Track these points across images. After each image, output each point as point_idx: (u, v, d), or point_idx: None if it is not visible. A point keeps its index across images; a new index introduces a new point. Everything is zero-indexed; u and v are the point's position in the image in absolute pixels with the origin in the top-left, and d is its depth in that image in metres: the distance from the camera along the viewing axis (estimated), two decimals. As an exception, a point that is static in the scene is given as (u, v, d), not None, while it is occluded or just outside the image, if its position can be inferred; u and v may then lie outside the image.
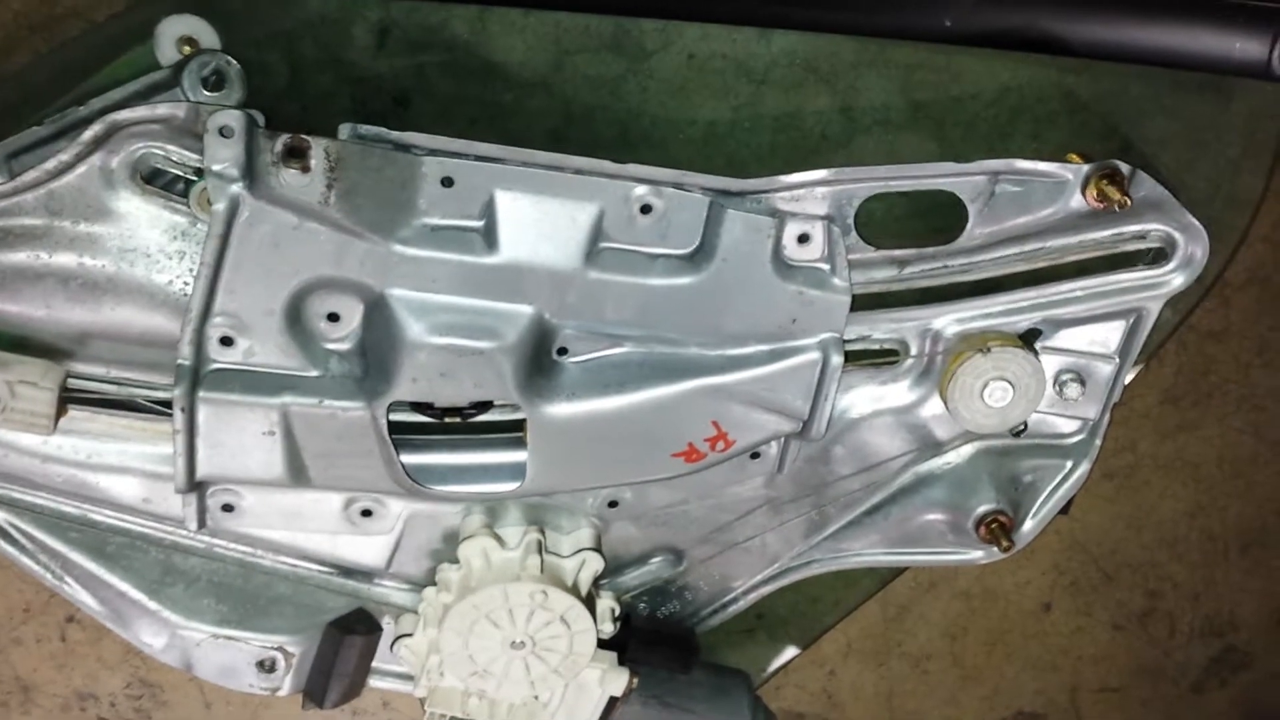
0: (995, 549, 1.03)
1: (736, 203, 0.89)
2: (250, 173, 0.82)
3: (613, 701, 1.06)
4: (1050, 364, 0.98)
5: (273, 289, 0.87)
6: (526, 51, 0.91)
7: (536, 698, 1.05)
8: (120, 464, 0.96)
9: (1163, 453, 1.36)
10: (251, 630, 1.01)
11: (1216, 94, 0.95)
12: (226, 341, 0.88)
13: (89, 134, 0.83)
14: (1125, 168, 0.86)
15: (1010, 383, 0.95)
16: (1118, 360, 0.98)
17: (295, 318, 0.89)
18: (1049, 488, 1.05)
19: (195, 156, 0.83)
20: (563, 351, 0.93)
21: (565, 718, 1.06)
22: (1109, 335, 0.97)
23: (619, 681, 1.04)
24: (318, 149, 0.80)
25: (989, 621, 1.46)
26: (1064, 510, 1.06)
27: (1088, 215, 0.90)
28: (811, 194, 0.89)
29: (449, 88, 0.90)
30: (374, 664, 1.10)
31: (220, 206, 0.83)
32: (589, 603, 1.00)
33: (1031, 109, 0.95)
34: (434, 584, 1.02)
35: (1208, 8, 0.89)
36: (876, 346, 0.98)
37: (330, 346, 0.91)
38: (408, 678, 1.08)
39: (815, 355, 0.92)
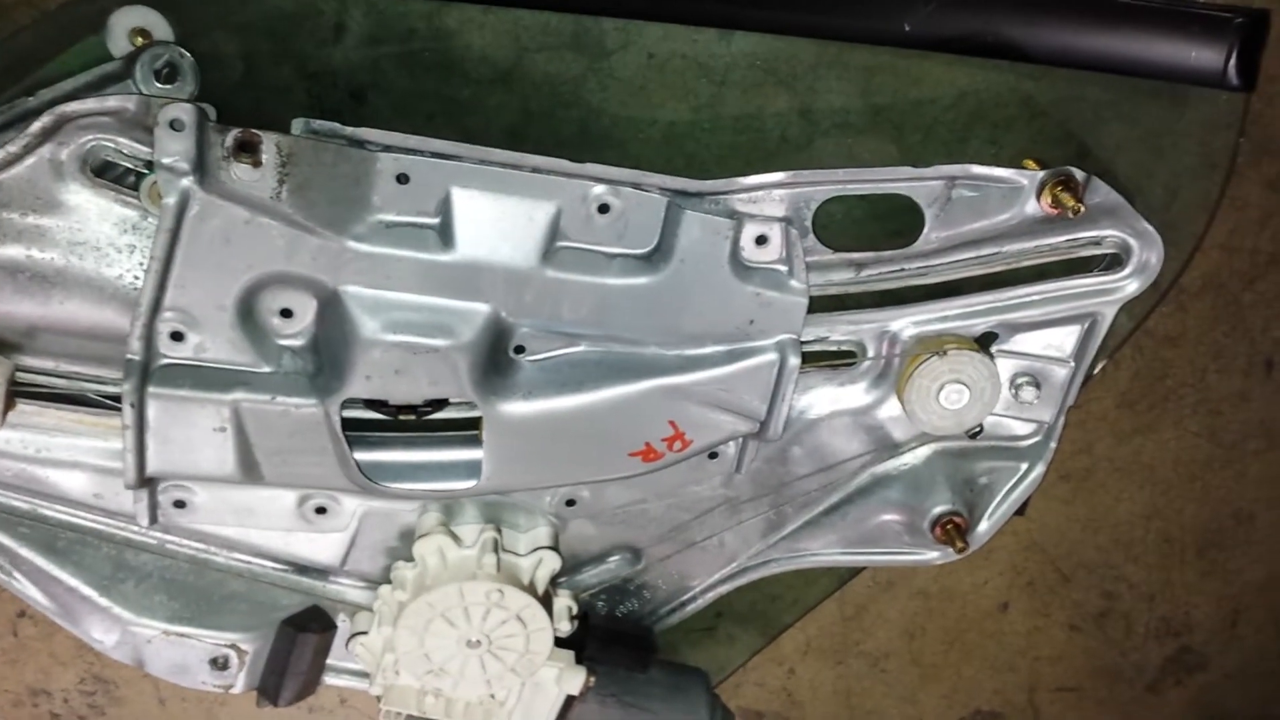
0: (950, 550, 1.04)
1: (695, 203, 0.89)
2: (201, 167, 0.81)
3: (570, 700, 1.06)
4: (1006, 367, 0.98)
5: (224, 284, 0.86)
6: (485, 48, 0.90)
7: (493, 696, 1.05)
8: (70, 459, 0.95)
9: (1119, 455, 1.38)
10: (204, 627, 1.00)
11: (1173, 101, 0.95)
12: (177, 336, 0.87)
13: (38, 125, 0.82)
14: (1080, 174, 0.87)
15: (966, 385, 0.96)
16: (1073, 364, 0.99)
17: (247, 313, 0.88)
18: (1004, 489, 1.05)
19: (146, 149, 0.82)
20: (520, 350, 0.93)
21: (522, 716, 1.06)
22: (1064, 339, 0.97)
23: (576, 680, 1.04)
24: (269, 144, 0.80)
25: (947, 621, 1.47)
26: (1020, 511, 1.07)
27: (1043, 221, 0.91)
28: (770, 196, 0.89)
29: (406, 83, 0.90)
30: (330, 661, 1.09)
31: (170, 200, 0.82)
32: (546, 601, 1.00)
33: (990, 114, 0.95)
34: (389, 582, 1.01)
35: (1164, 16, 0.89)
36: (834, 348, 0.98)
37: (283, 343, 0.90)
38: (364, 675, 1.07)
39: (772, 356, 0.92)
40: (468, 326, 0.89)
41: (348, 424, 0.93)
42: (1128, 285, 0.94)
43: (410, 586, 0.99)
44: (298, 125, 0.82)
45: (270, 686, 1.04)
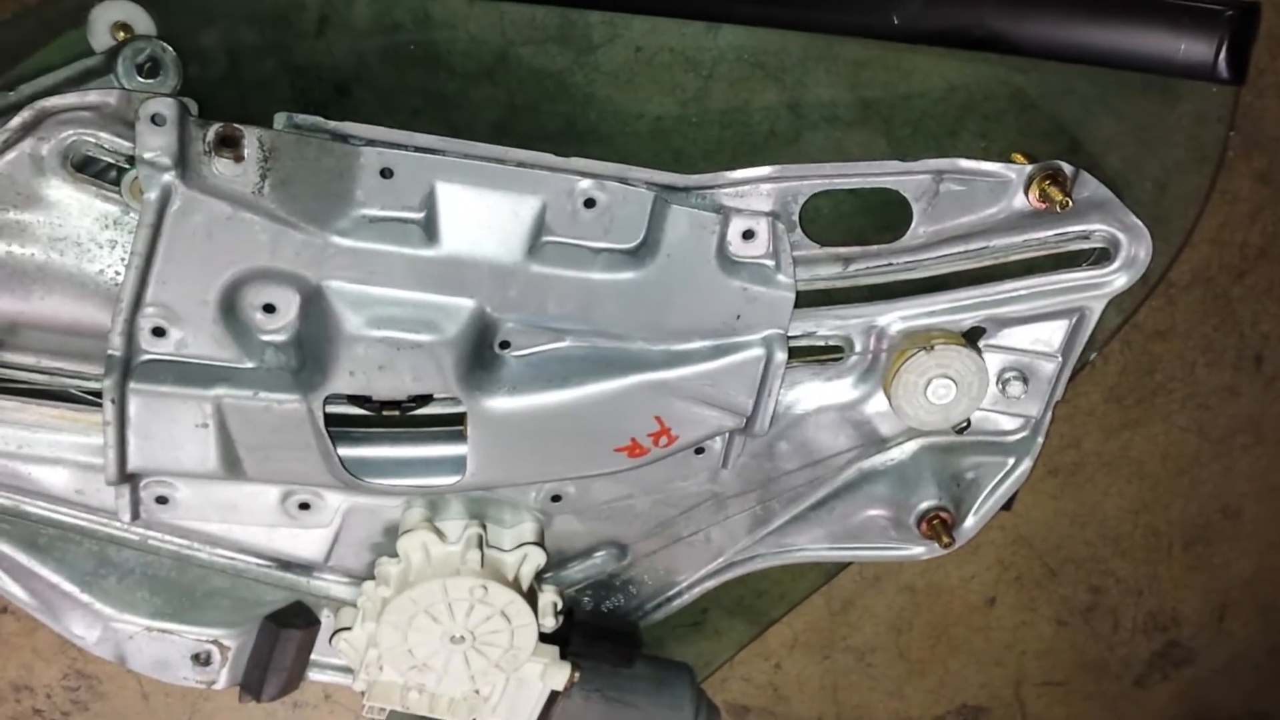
0: (936, 545, 1.04)
1: (681, 198, 0.88)
2: (183, 161, 0.80)
3: (554, 696, 1.06)
4: (993, 362, 0.98)
5: (206, 279, 0.85)
6: (471, 42, 0.89)
7: (477, 692, 1.05)
8: (52, 455, 0.94)
9: (1107, 450, 1.37)
10: (186, 623, 1.00)
11: (1163, 95, 0.95)
12: (159, 332, 0.87)
13: (18, 120, 0.81)
14: (1068, 168, 0.86)
15: (953, 380, 0.96)
16: (1060, 359, 0.98)
17: (230, 309, 0.87)
18: (991, 484, 1.05)
19: (128, 144, 0.81)
20: (505, 345, 0.92)
21: (506, 712, 1.06)
22: (1052, 334, 0.97)
23: (560, 676, 1.04)
24: (251, 138, 0.79)
25: (933, 616, 1.47)
26: (1006, 506, 1.07)
27: (1031, 215, 0.90)
28: (757, 190, 0.88)
29: (391, 77, 0.89)
30: (314, 657, 1.09)
31: (152, 195, 0.81)
32: (530, 597, 1.00)
33: (979, 107, 0.95)
34: (373, 578, 1.01)
35: (1154, 9, 0.89)
36: (821, 343, 0.98)
37: (266, 338, 0.89)
38: (348, 671, 1.07)
39: (759, 351, 0.92)
40: (452, 322, 0.88)
41: (331, 420, 0.92)
42: (1116, 279, 0.94)
43: (394, 582, 0.98)
44: (280, 119, 0.81)
45: (253, 682, 1.03)
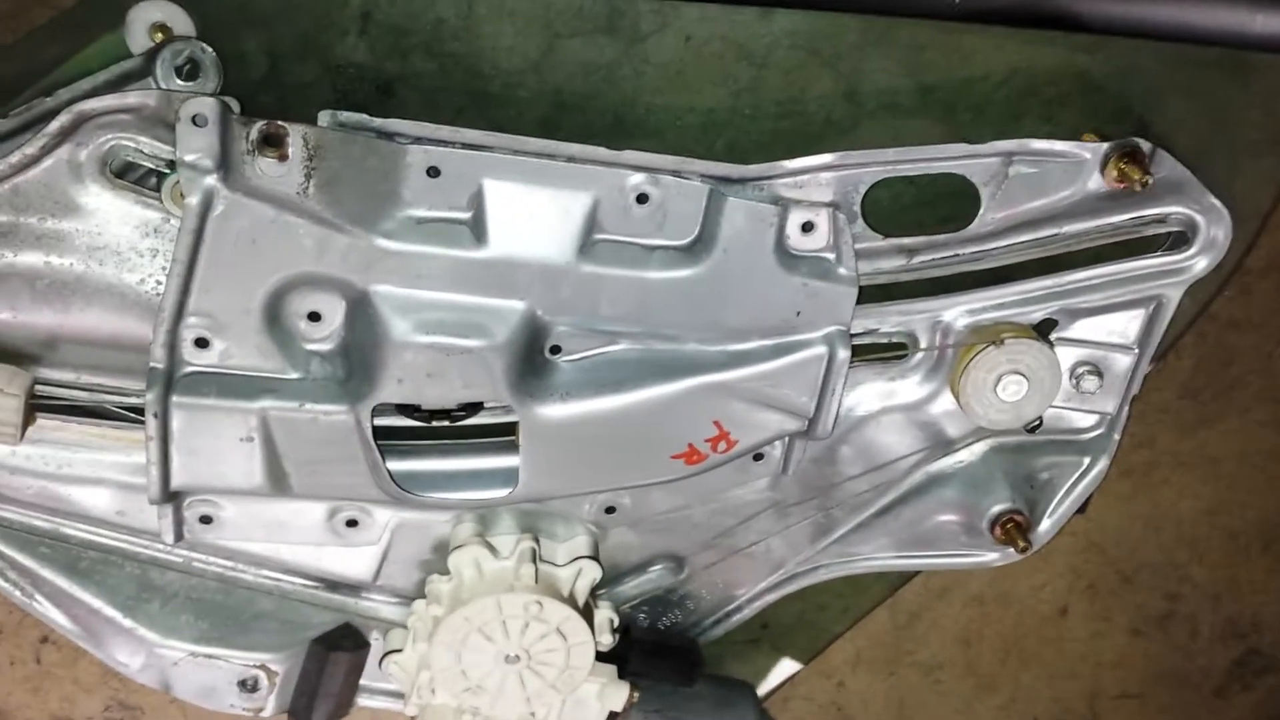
0: (1011, 550, 0.99)
1: (737, 190, 0.85)
2: (225, 163, 0.77)
3: (613, 716, 1.01)
4: (1066, 356, 0.94)
5: (250, 287, 0.82)
6: (516, 36, 0.86)
7: (533, 715, 1.00)
8: (92, 475, 0.91)
9: (1182, 449, 1.32)
10: (232, 648, 0.96)
11: (1236, 71, 0.91)
12: (201, 343, 0.84)
13: (55, 125, 0.79)
14: (1146, 145, 0.82)
15: (1025, 376, 0.91)
16: (1137, 351, 0.94)
17: (274, 317, 0.84)
18: (1066, 485, 1.00)
19: (168, 148, 0.79)
20: (556, 350, 0.89)
21: (564, 735, 1.02)
22: (1127, 325, 0.93)
23: (619, 696, 1.00)
24: (295, 136, 0.76)
25: (1003, 627, 1.41)
26: (1081, 509, 1.02)
27: (1106, 198, 0.86)
28: (815, 180, 0.85)
29: (435, 76, 0.86)
30: (363, 681, 1.05)
31: (194, 200, 0.78)
32: (586, 613, 0.96)
33: (1043, 90, 0.91)
34: (424, 597, 0.97)
35: (1226, -20, 0.85)
36: (885, 340, 0.94)
37: (311, 347, 0.86)
38: (398, 695, 1.03)
39: (821, 349, 0.88)
40: (503, 326, 0.85)
41: (379, 432, 0.89)
42: (1195, 264, 0.90)
43: (446, 600, 0.95)
44: (324, 117, 0.78)
45: (301, 708, 1.00)
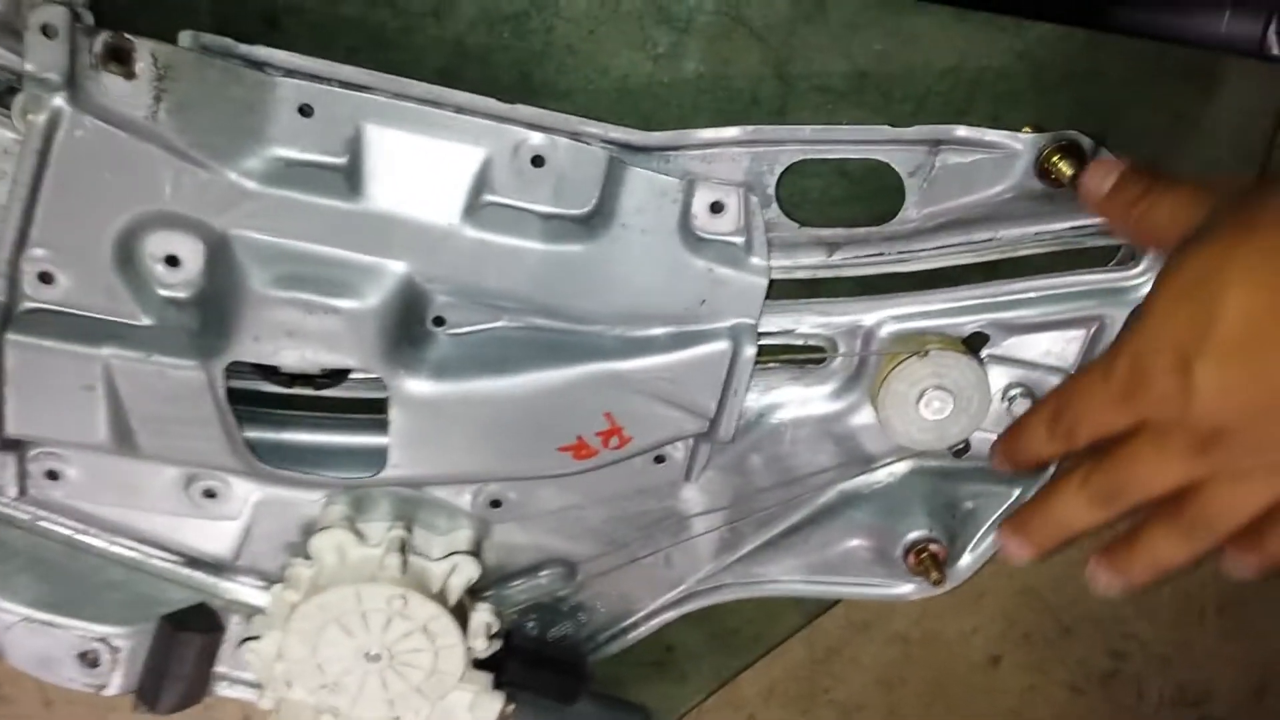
0: (926, 582, 0.90)
1: (641, 160, 0.78)
2: (73, 80, 0.71)
3: (483, 731, 0.93)
4: (998, 375, 0.86)
5: (100, 219, 0.75)
6: (421, -25, 0.80)
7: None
8: (-70, 416, 0.84)
9: (1132, 493, 1.23)
10: (71, 617, 0.89)
11: (1204, 80, 0.83)
12: (45, 278, 0.77)
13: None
14: (1086, 142, 0.74)
15: (950, 392, 0.83)
16: (1075, 376, 0.85)
17: (127, 257, 0.77)
18: (992, 518, 0.92)
19: (19, 60, 0.73)
20: (439, 322, 0.82)
21: (428, 745, 0.93)
22: (1066, 346, 0.84)
23: (491, 709, 0.91)
24: (143, 51, 0.69)
25: (929, 671, 1.31)
26: (1010, 548, 0.93)
27: (1045, 201, 0.78)
28: (727, 155, 0.77)
29: (328, 9, 0.79)
30: (225, 670, 0.97)
31: (39, 118, 0.72)
32: (459, 614, 0.88)
33: (993, 85, 0.83)
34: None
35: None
36: (801, 342, 0.86)
37: (167, 294, 0.79)
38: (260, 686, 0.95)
39: (724, 344, 0.80)
40: (374, 287, 0.77)
41: (241, 397, 0.82)
42: (1142, 286, 0.82)
43: (304, 586, 0.87)
44: (185, 38, 0.72)
45: (149, 690, 0.92)
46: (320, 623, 0.86)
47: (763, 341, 0.82)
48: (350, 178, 0.76)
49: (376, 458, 0.85)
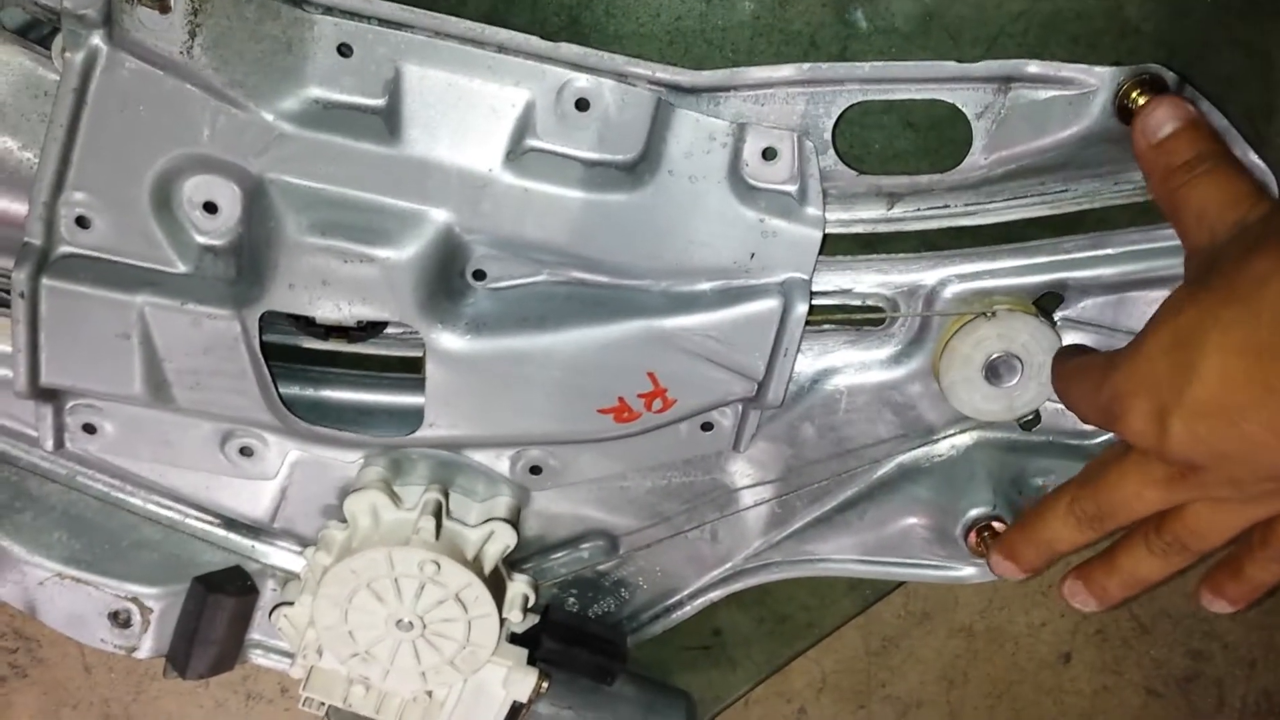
0: (988, 565, 0.84)
1: (690, 103, 0.74)
2: (110, 16, 0.70)
3: (518, 708, 0.89)
4: (1072, 340, 0.80)
5: (138, 162, 0.74)
6: (466, -84, 0.77)
7: (429, 694, 0.89)
8: (-31, 365, 0.84)
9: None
10: (103, 574, 0.87)
11: (1303, 24, 0.76)
12: (83, 222, 0.76)
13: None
14: (1170, 76, 0.68)
15: (1019, 357, 0.78)
16: (1159, 343, 0.79)
17: (164, 202, 0.76)
18: (1063, 496, 0.85)
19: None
20: (479, 276, 0.79)
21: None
22: (1148, 308, 0.78)
23: (525, 684, 0.88)
24: (177, -17, 0.68)
25: (994, 669, 1.23)
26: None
27: (1125, 145, 0.72)
28: (781, 96, 0.73)
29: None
30: (260, 638, 0.96)
31: (77, 56, 0.71)
32: (495, 584, 0.85)
33: (1069, 26, 0.77)
34: (320, 544, 0.87)
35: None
36: (858, 302, 0.81)
37: (204, 240, 0.78)
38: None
39: (775, 301, 0.76)
40: (412, 236, 0.75)
41: (278, 352, 0.80)
42: (1233, 241, 0.75)
43: (337, 549, 0.85)
44: (220, -28, 0.70)
45: (179, 654, 0.90)
46: (352, 588, 0.83)
47: (816, 301, 0.78)
48: (389, 121, 0.73)
49: (415, 418, 0.82)
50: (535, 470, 0.87)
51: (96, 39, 0.71)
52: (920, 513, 0.86)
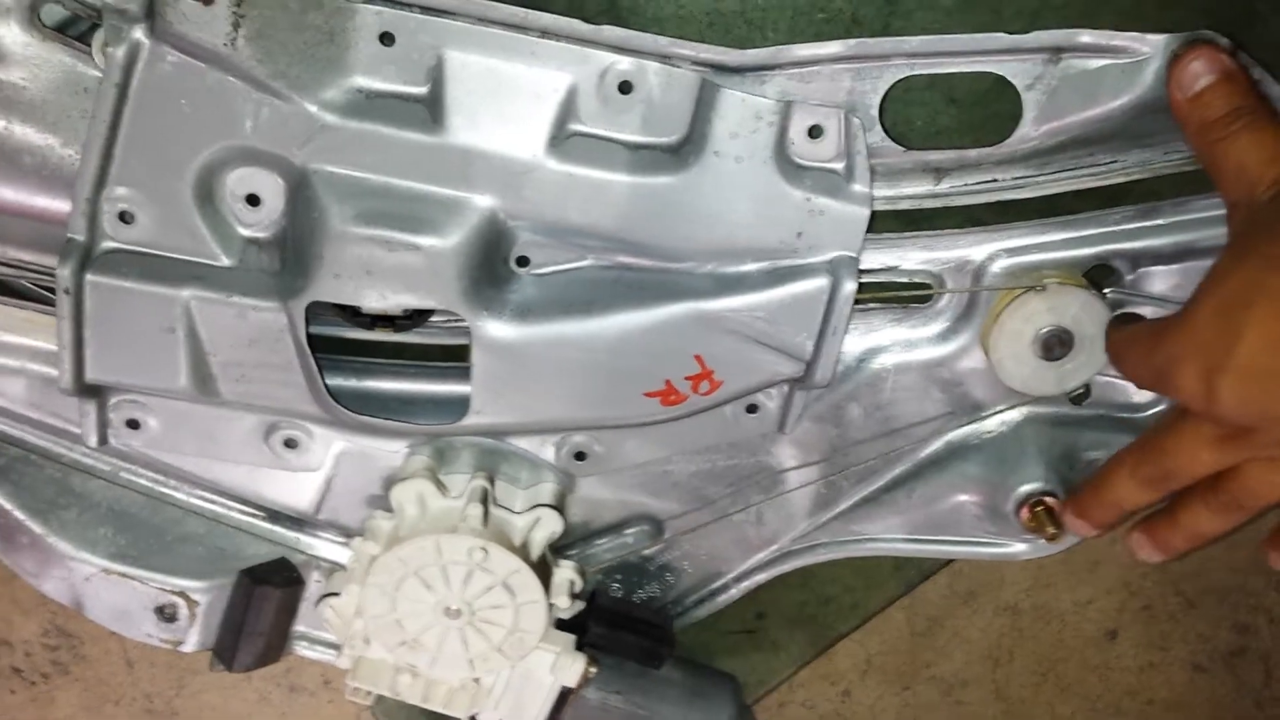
0: (1041, 540, 0.84)
1: (735, 83, 0.73)
2: (153, 10, 0.69)
3: (566, 693, 0.89)
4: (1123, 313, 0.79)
5: (181, 156, 0.74)
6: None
7: (477, 680, 0.89)
8: (15, 362, 0.84)
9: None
10: (149, 569, 0.87)
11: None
12: (126, 218, 0.76)
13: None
14: (1223, 42, 0.68)
15: (1070, 331, 0.77)
16: (1210, 314, 0.78)
17: (208, 195, 0.76)
18: (1115, 471, 0.85)
19: (103, -6, 0.71)
20: (523, 262, 0.78)
21: (511, 708, 0.90)
22: (1199, 279, 0.77)
23: (573, 670, 0.88)
24: (220, -26, 0.67)
25: (1040, 647, 1.23)
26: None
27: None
28: (826, 73, 0.72)
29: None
30: (304, 629, 0.96)
31: (119, 50, 0.70)
32: (541, 570, 0.84)
33: (1113, -2, 0.77)
34: (366, 534, 0.87)
35: None
36: (905, 279, 0.81)
37: (248, 233, 0.77)
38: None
39: (823, 280, 0.75)
40: (456, 223, 0.74)
41: (324, 344, 0.80)
42: (1289, 209, 0.74)
43: (384, 538, 0.84)
44: (262, -39, 0.69)
45: (226, 648, 0.90)
46: (400, 576, 0.83)
47: (863, 279, 0.77)
48: (432, 109, 0.73)
49: (459, 407, 0.82)
50: (580, 456, 0.87)
51: (138, 33, 0.70)
52: (971, 490, 0.86)
